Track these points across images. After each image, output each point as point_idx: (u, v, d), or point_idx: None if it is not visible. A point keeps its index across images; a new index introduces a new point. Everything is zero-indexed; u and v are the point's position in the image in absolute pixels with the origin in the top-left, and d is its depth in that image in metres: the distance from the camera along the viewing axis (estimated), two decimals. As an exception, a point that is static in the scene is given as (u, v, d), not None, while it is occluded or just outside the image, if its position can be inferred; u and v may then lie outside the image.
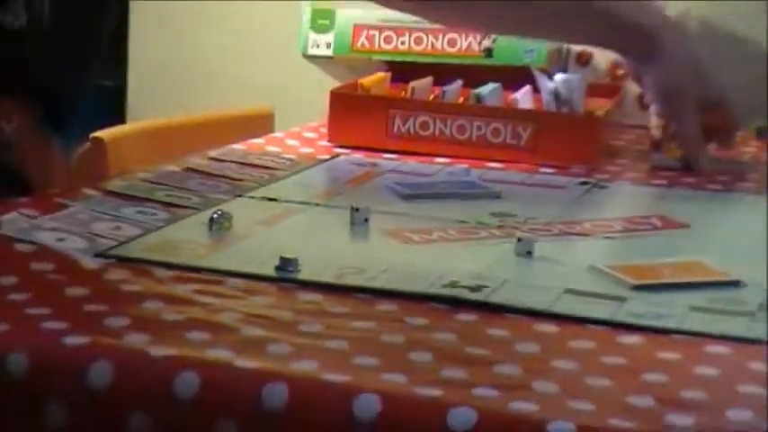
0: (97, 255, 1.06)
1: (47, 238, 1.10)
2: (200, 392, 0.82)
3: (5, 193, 1.21)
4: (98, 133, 1.48)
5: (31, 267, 1.03)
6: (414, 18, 1.76)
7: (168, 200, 1.25)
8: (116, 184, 1.29)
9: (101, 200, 1.23)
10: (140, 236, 1.13)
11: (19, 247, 1.08)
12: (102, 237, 1.11)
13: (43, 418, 0.84)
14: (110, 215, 1.18)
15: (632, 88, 1.81)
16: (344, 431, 0.79)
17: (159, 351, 0.85)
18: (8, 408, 0.85)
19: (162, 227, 1.16)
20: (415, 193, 1.34)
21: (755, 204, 1.38)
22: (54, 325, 0.89)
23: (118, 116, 2.20)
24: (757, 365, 0.90)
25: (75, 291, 0.97)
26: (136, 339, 0.87)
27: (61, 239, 1.09)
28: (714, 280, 1.07)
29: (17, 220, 1.14)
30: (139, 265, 1.05)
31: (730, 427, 0.78)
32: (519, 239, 1.14)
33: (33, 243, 1.08)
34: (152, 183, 1.31)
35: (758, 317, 0.99)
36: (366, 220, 1.21)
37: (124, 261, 1.06)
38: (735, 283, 1.07)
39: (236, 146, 1.51)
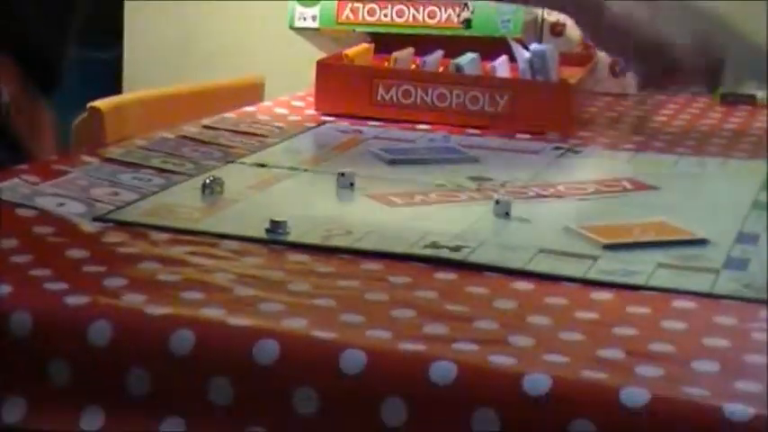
0: (96, 219, 1.06)
1: (47, 203, 1.09)
2: (194, 349, 0.82)
3: (2, 157, 1.20)
4: (95, 103, 1.47)
5: (32, 231, 1.02)
6: (396, -9, 1.75)
7: (163, 166, 1.24)
8: (113, 152, 1.28)
9: (99, 166, 1.23)
10: (137, 201, 1.12)
11: (20, 212, 1.07)
12: (100, 201, 1.11)
13: (46, 375, 0.84)
14: (108, 181, 1.17)
15: (604, 57, 1.81)
16: (332, 385, 0.79)
17: (155, 310, 0.85)
18: (13, 366, 0.84)
19: (157, 192, 1.15)
20: (397, 159, 1.34)
21: (720, 167, 1.38)
22: (55, 286, 0.89)
23: (115, 87, 2.18)
24: (722, 319, 0.90)
25: (75, 253, 0.97)
26: (133, 299, 0.87)
27: (61, 204, 1.09)
28: (681, 239, 1.07)
29: (18, 187, 1.13)
30: (136, 229, 1.04)
31: (696, 378, 0.79)
32: (497, 202, 1.14)
33: (34, 208, 1.08)
34: (148, 150, 1.30)
35: (722, 273, 0.99)
36: (351, 184, 1.21)
37: (121, 225, 1.05)
38: (701, 242, 1.07)
39: (227, 114, 1.50)
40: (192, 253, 0.99)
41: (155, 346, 0.82)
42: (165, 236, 1.03)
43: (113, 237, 1.02)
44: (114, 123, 1.44)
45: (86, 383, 0.83)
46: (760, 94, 1.76)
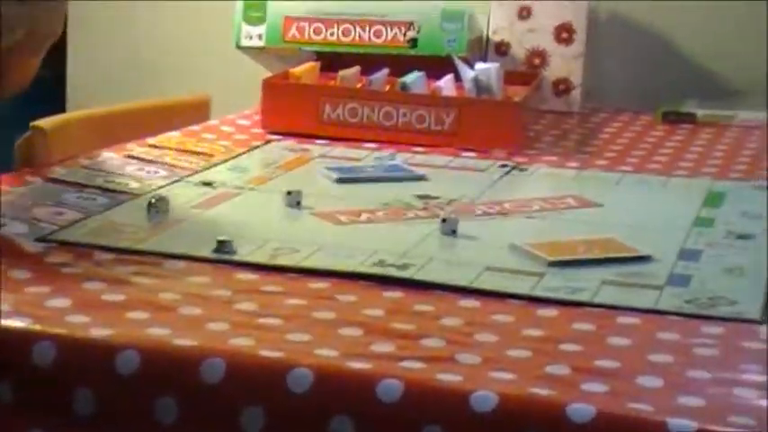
0: (38, 239, 1.05)
1: (-10, 223, 1.08)
2: (140, 369, 0.81)
3: None
4: (39, 122, 1.45)
5: (-26, 252, 1.01)
6: (342, 10, 1.75)
7: (108, 186, 1.23)
8: (57, 171, 1.27)
9: (42, 186, 1.22)
10: (81, 220, 1.11)
11: (-37, 232, 1.06)
12: (43, 221, 1.09)
13: (-11, 396, 0.83)
14: (51, 201, 1.16)
15: (548, 75, 1.83)
16: (280, 404, 0.79)
17: (100, 331, 0.84)
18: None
19: (102, 211, 1.15)
20: (344, 177, 1.34)
21: (662, 185, 1.40)
22: (-2, 307, 0.87)
23: (58, 105, 2.16)
24: (665, 335, 0.91)
25: (17, 274, 0.96)
26: (77, 320, 0.86)
27: (3, 225, 1.08)
28: (625, 255, 1.08)
29: (-39, 207, 1.12)
30: (80, 249, 1.03)
31: (641, 393, 0.79)
32: (443, 219, 1.14)
33: (-23, 229, 1.06)
34: (92, 169, 1.29)
35: (666, 290, 1.00)
36: (298, 203, 1.21)
37: (65, 245, 1.04)
38: (644, 259, 1.08)
39: (173, 133, 1.50)
40: (138, 273, 0.98)
41: (100, 367, 0.82)
42: (110, 256, 1.02)
43: (57, 257, 1.01)
44: (58, 142, 1.42)
45: (31, 404, 0.82)
46: (701, 112, 1.78)
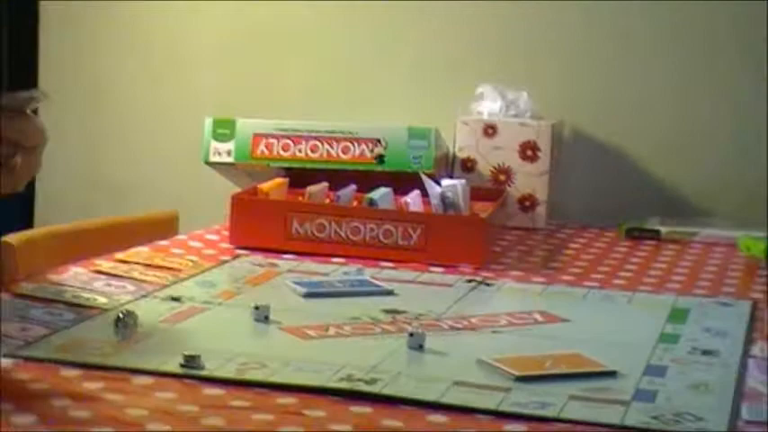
0: (5, 355, 1.04)
1: (-44, 338, 1.07)
2: (106, 487, 0.80)
3: None
4: (7, 237, 1.45)
5: (-61, 368, 1.00)
6: (310, 127, 1.78)
7: (75, 301, 1.23)
8: (25, 287, 1.27)
9: (10, 302, 1.21)
10: (47, 336, 1.11)
11: (-72, 347, 1.05)
12: (9, 337, 1.09)
13: None
14: (18, 316, 1.16)
15: (514, 192, 1.85)
16: None
17: (66, 447, 0.83)
18: None
19: (69, 327, 1.14)
20: (312, 292, 1.34)
21: (627, 300, 1.41)
22: (-38, 423, 0.86)
23: (27, 221, 2.17)
24: (633, 450, 0.91)
25: (-16, 390, 0.95)
26: (43, 436, 0.86)
27: (-30, 340, 1.07)
28: (592, 370, 1.09)
29: (-73, 322, 1.11)
30: (46, 365, 1.03)
31: None
32: (410, 334, 1.14)
33: (-57, 344, 1.06)
34: (60, 285, 1.29)
35: (632, 405, 1.00)
36: (266, 317, 1.21)
37: (31, 360, 1.04)
38: (611, 374, 1.08)
39: (141, 248, 1.50)
40: (105, 389, 0.97)
41: (65, 485, 0.81)
42: (76, 371, 1.01)
43: (23, 373, 1.00)
44: (26, 257, 1.42)
45: None
46: (664, 229, 1.80)
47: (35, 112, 1.17)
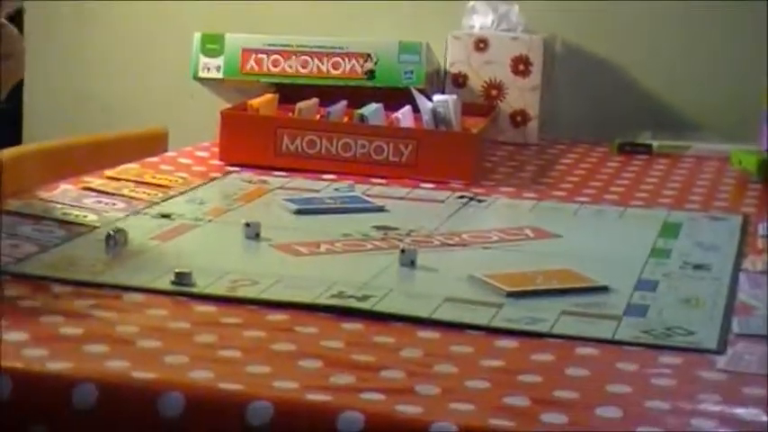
0: (-5, 272, 1.04)
1: (-55, 256, 1.07)
2: (98, 403, 0.80)
3: None
4: (-5, 154, 1.44)
5: (-71, 286, 1.00)
6: (300, 42, 1.76)
7: (65, 218, 1.22)
8: (13, 204, 1.26)
9: (-1, 219, 1.21)
10: (38, 253, 1.10)
11: None
12: None
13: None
14: (7, 234, 1.15)
15: (505, 107, 1.84)
16: (239, 437, 0.79)
17: (57, 365, 0.83)
18: None
19: (59, 244, 1.14)
20: (303, 209, 1.34)
21: (619, 215, 1.41)
22: (-47, 341, 0.86)
23: (14, 138, 2.15)
24: (623, 365, 0.91)
25: (-26, 308, 0.95)
26: (34, 354, 0.85)
27: (-41, 258, 1.07)
28: (583, 286, 1.09)
29: None
30: (37, 282, 1.02)
31: (600, 424, 0.80)
32: (402, 251, 1.14)
33: (-69, 262, 1.05)
34: (49, 202, 1.28)
35: (623, 320, 1.01)
36: (257, 234, 1.20)
37: (21, 278, 1.03)
38: (602, 289, 1.09)
39: (131, 165, 1.49)
40: (96, 306, 0.97)
41: (56, 401, 0.81)
42: (67, 289, 1.01)
43: (13, 290, 1.00)
44: (14, 174, 1.41)
45: (-14, 441, 0.81)
46: (656, 143, 1.80)
47: (19, 24, 1.15)
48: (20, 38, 1.14)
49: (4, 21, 1.13)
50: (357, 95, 1.69)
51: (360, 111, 1.60)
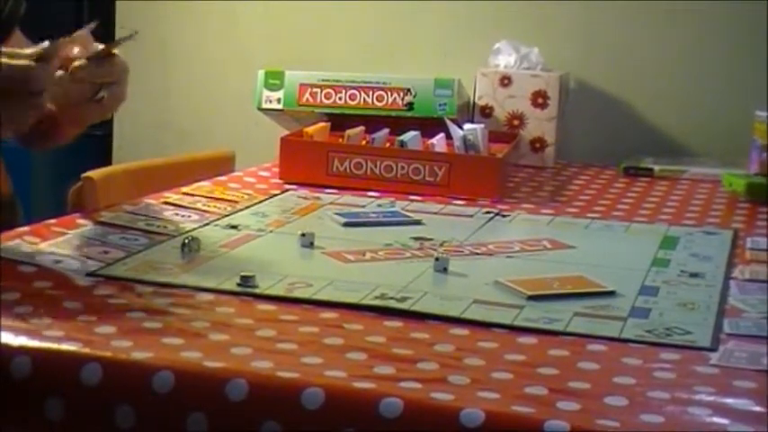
0: (88, 274, 1.05)
1: (46, 260, 1.08)
2: (174, 388, 0.81)
3: None
4: (89, 173, 1.45)
5: (32, 285, 1.01)
6: (349, 78, 1.76)
7: (148, 228, 1.23)
8: (104, 216, 1.27)
9: (91, 229, 1.21)
10: (124, 258, 1.11)
11: (22, 268, 1.06)
12: (92, 259, 1.09)
13: (43, 411, 0.82)
14: (99, 241, 1.16)
15: (526, 135, 1.83)
16: (295, 419, 0.79)
17: (140, 354, 0.84)
18: (13, 403, 0.83)
19: (142, 250, 1.14)
20: (350, 221, 1.34)
21: (624, 229, 1.40)
22: (52, 333, 0.87)
23: (105, 159, 2.17)
24: (628, 360, 0.90)
25: (70, 304, 0.96)
26: (121, 344, 0.86)
27: (58, 261, 1.07)
28: (594, 291, 1.08)
29: (20, 246, 1.12)
30: (123, 283, 1.03)
31: (608, 411, 0.79)
32: (436, 259, 1.14)
33: (35, 265, 1.06)
34: (134, 214, 1.29)
35: (629, 321, 1.00)
36: (311, 243, 1.20)
37: (111, 279, 1.04)
38: (610, 294, 1.08)
39: (203, 183, 1.50)
40: (173, 304, 0.98)
41: (140, 386, 0.81)
42: (148, 289, 1.02)
43: (104, 290, 1.01)
44: (105, 191, 1.42)
45: (79, 419, 0.82)
46: (657, 167, 1.79)
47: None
48: (127, 67, 1.16)
49: (116, 52, 1.15)
50: (398, 124, 1.69)
51: (400, 137, 1.60)
